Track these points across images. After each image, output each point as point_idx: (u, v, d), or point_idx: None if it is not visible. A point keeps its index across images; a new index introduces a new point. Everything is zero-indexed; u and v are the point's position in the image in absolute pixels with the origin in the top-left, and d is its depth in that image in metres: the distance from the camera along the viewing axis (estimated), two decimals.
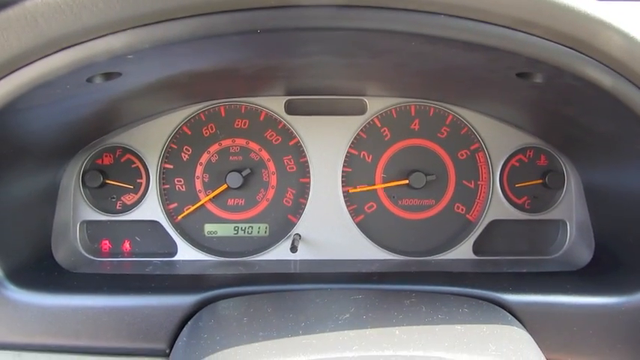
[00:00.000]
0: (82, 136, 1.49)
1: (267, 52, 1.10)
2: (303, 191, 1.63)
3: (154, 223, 1.61)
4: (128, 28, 0.88)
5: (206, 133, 1.61)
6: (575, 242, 1.59)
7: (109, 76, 1.05)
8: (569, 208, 1.61)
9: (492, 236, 1.65)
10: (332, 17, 0.89)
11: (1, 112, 1.01)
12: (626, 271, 1.29)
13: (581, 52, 0.94)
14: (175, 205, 1.62)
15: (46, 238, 1.45)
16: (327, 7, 0.88)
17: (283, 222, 1.64)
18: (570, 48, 0.94)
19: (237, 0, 0.85)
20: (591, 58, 0.95)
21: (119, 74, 1.05)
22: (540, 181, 1.63)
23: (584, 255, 1.50)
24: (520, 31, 0.92)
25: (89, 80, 1.04)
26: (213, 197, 1.62)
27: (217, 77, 1.31)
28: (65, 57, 0.92)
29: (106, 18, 0.86)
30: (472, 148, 1.63)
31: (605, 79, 0.98)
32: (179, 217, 1.62)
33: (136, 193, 1.61)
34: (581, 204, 1.57)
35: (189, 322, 1.16)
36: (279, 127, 1.61)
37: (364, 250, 1.62)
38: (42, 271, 1.36)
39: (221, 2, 0.85)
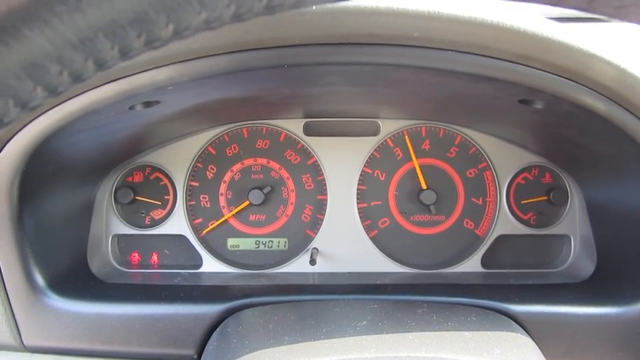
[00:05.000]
0: (116, 156, 1.59)
1: (291, 82, 1.20)
2: (321, 207, 1.70)
3: (181, 237, 1.68)
4: (170, 64, 0.99)
5: (229, 152, 1.69)
6: (578, 256, 1.63)
7: (148, 104, 1.15)
8: (573, 224, 1.66)
9: (500, 250, 1.69)
10: (350, 53, 0.99)
11: (52, 136, 1.12)
12: (627, 282, 1.34)
13: (577, 82, 1.02)
14: (200, 220, 1.70)
15: (82, 250, 1.53)
16: (345, 45, 0.98)
17: (302, 236, 1.71)
18: (566, 78, 1.02)
19: (266, 39, 0.95)
20: (586, 87, 1.03)
21: (157, 102, 1.15)
22: (545, 197, 1.67)
23: (587, 268, 1.54)
24: (520, 64, 1.01)
25: (131, 108, 1.14)
26: (236, 213, 1.69)
27: (243, 103, 1.41)
28: (112, 88, 1.02)
29: (151, 54, 0.97)
30: (480, 166, 1.69)
31: (599, 105, 1.06)
32: (204, 232, 1.70)
33: (164, 209, 1.69)
34: (584, 220, 1.62)
35: (217, 329, 1.23)
36: (298, 147, 1.69)
37: (378, 263, 1.68)
38: (79, 281, 1.43)
39: (253, 41, 0.95)
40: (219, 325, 1.26)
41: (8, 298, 1.25)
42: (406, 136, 1.68)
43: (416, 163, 1.67)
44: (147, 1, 0.42)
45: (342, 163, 1.69)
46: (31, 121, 1.08)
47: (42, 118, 1.07)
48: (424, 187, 1.67)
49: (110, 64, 0.46)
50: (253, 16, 0.46)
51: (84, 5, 0.40)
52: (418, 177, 1.67)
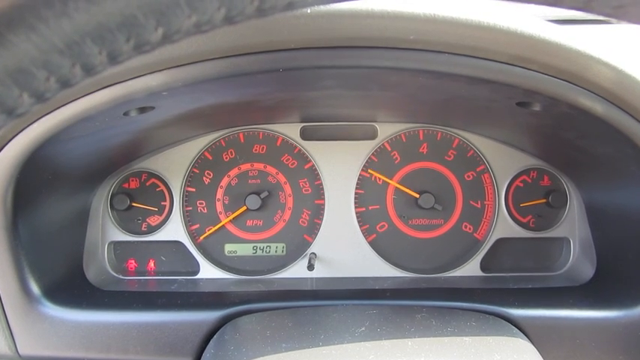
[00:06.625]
0: (112, 163, 1.58)
1: (287, 86, 1.19)
2: (318, 212, 1.69)
3: (178, 244, 1.68)
4: (164, 69, 0.98)
5: (226, 158, 1.68)
6: (578, 259, 1.63)
7: (143, 109, 1.14)
8: (572, 226, 1.65)
9: (499, 254, 1.69)
10: (346, 57, 0.98)
11: (47, 143, 1.11)
12: (627, 285, 1.34)
13: (575, 84, 1.02)
14: (197, 226, 1.69)
15: (78, 258, 1.52)
16: (341, 48, 0.97)
17: (299, 241, 1.70)
18: (564, 80, 1.01)
19: (261, 43, 0.95)
20: (583, 88, 1.03)
21: (152, 108, 1.14)
22: (544, 200, 1.67)
23: (587, 271, 1.54)
24: (517, 66, 1.00)
25: (125, 114, 1.13)
26: (233, 218, 1.68)
27: (239, 108, 1.40)
28: (107, 94, 1.01)
29: (145, 60, 0.96)
30: (478, 169, 1.69)
31: (597, 107, 1.05)
32: (201, 238, 1.69)
33: (161, 215, 1.68)
34: (583, 222, 1.62)
35: (215, 336, 1.22)
36: (295, 151, 1.69)
37: (376, 267, 1.67)
38: (75, 289, 1.42)
39: (248, 46, 0.94)
40: (216, 331, 1.26)
41: (3, 306, 1.24)
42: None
43: (394, 183, 1.68)
44: (135, 4, 0.41)
45: (339, 167, 1.69)
46: (25, 128, 1.07)
47: (35, 125, 1.06)
48: (417, 195, 1.67)
49: (99, 69, 0.45)
50: (245, 19, 0.45)
51: (70, 9, 0.39)
52: (405, 191, 1.68)
